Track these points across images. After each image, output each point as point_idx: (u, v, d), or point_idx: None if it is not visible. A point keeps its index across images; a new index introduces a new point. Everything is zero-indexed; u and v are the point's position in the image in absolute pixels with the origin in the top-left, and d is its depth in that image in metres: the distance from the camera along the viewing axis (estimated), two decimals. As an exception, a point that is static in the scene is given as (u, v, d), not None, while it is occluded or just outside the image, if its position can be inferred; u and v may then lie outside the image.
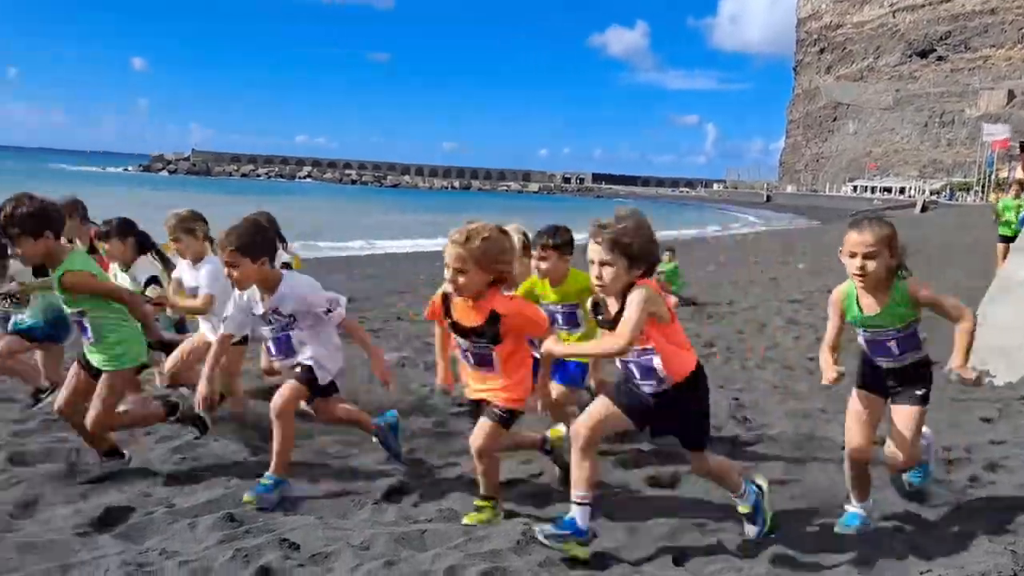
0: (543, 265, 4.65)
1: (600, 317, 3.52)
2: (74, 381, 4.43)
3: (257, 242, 4.18)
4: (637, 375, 3.48)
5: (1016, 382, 7.06)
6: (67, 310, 4.38)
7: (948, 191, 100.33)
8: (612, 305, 3.43)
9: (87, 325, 4.31)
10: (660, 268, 13.52)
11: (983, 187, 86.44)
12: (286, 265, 5.60)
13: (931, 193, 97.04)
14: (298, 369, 4.26)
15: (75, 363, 4.48)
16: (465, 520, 3.83)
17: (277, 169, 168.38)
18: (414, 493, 4.27)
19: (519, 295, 4.81)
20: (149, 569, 3.23)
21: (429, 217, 46.81)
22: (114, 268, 5.54)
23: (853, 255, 3.70)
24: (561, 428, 4.46)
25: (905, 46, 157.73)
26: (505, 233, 3.77)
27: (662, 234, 38.13)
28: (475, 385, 3.92)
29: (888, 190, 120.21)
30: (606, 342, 3.45)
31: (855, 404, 3.93)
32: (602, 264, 3.34)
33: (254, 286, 4.27)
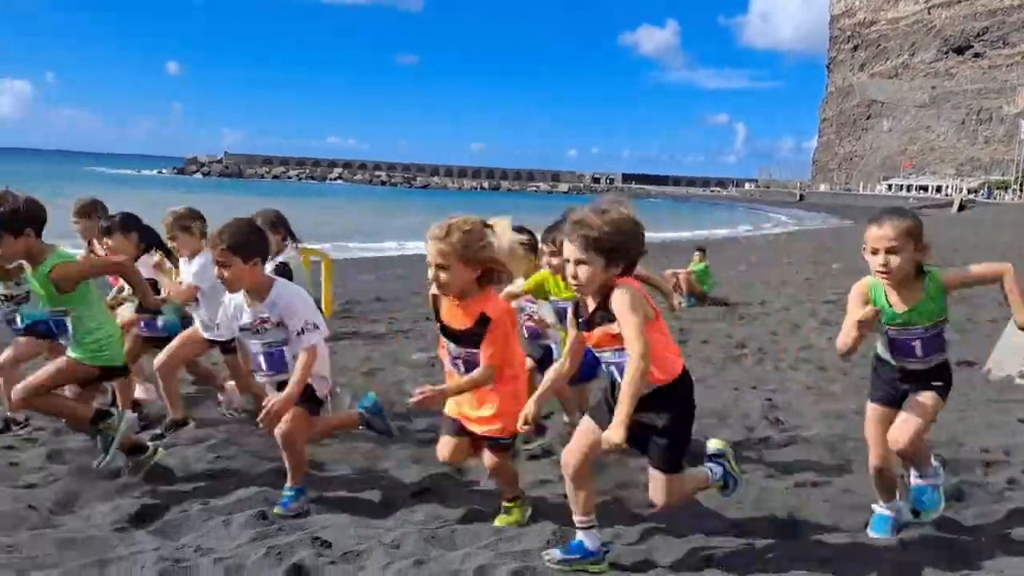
0: (555, 260, 4.48)
1: (580, 319, 3.33)
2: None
3: (251, 242, 4.02)
4: (620, 377, 3.20)
5: (1056, 384, 6.91)
6: (45, 311, 4.32)
7: (986, 189, 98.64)
8: (590, 304, 3.25)
9: (68, 324, 4.31)
10: (691, 267, 13.46)
11: (1021, 185, 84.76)
12: (284, 264, 5.58)
13: (968, 192, 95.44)
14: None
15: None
16: (496, 522, 3.84)
17: (308, 171, 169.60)
18: (444, 492, 4.29)
19: (528, 290, 4.81)
20: (184, 565, 3.27)
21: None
22: None
23: (875, 251, 3.48)
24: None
25: (941, 42, 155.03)
26: (488, 226, 3.59)
27: (693, 234, 38.03)
28: (469, 412, 3.71)
29: (924, 189, 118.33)
30: (631, 371, 3.04)
31: (871, 415, 3.80)
32: (577, 263, 3.13)
33: (242, 293, 4.10)
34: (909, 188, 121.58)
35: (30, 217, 4.19)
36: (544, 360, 4.98)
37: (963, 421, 5.81)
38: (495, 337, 3.56)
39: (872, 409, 3.81)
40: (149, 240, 5.47)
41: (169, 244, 5.38)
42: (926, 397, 3.63)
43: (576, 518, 3.39)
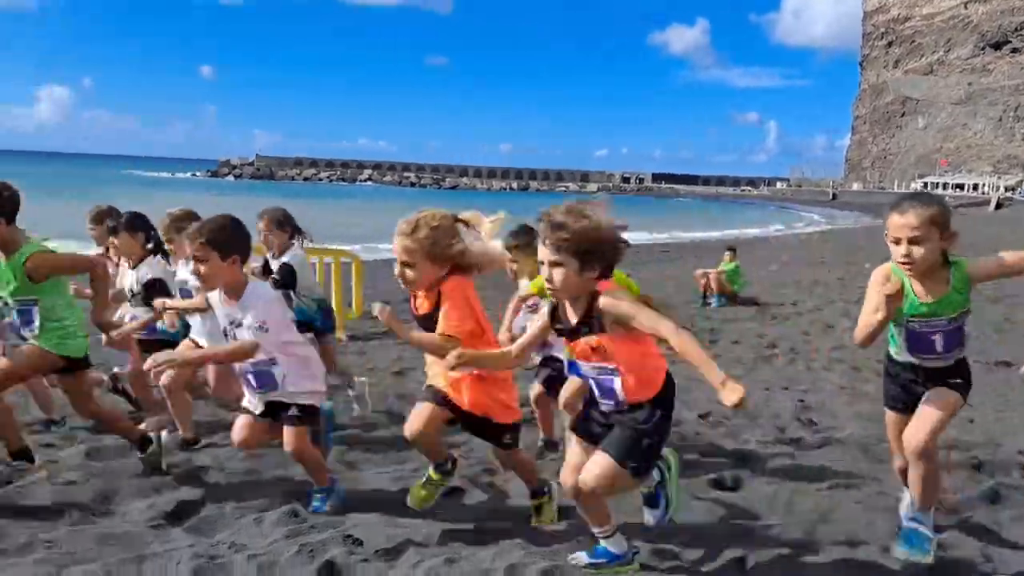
0: None
1: (560, 326, 3.21)
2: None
3: (230, 239, 3.89)
4: (597, 392, 3.19)
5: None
6: (11, 301, 4.19)
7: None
8: (571, 313, 3.14)
9: (34, 314, 4.20)
10: (721, 267, 13.35)
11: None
12: (287, 265, 5.58)
13: (1005, 189, 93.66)
14: (294, 411, 3.95)
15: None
16: (533, 523, 3.85)
17: (338, 172, 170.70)
18: (475, 491, 4.31)
19: (535, 291, 4.78)
20: (219, 561, 3.32)
21: (489, 219, 46.47)
22: (123, 267, 5.51)
23: (897, 241, 3.23)
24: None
25: (978, 38, 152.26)
26: (460, 221, 3.56)
27: (723, 233, 37.68)
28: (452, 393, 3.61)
29: (960, 187, 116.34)
30: (684, 346, 2.89)
31: (890, 421, 3.69)
32: (552, 265, 3.03)
33: (219, 292, 3.99)
34: (945, 186, 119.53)
35: (0, 204, 4.08)
36: (551, 381, 4.76)
37: (1001, 422, 5.72)
38: (451, 305, 3.47)
39: (889, 415, 3.68)
40: (157, 240, 5.34)
41: (166, 246, 5.33)
42: (944, 393, 3.40)
43: (594, 531, 3.34)
